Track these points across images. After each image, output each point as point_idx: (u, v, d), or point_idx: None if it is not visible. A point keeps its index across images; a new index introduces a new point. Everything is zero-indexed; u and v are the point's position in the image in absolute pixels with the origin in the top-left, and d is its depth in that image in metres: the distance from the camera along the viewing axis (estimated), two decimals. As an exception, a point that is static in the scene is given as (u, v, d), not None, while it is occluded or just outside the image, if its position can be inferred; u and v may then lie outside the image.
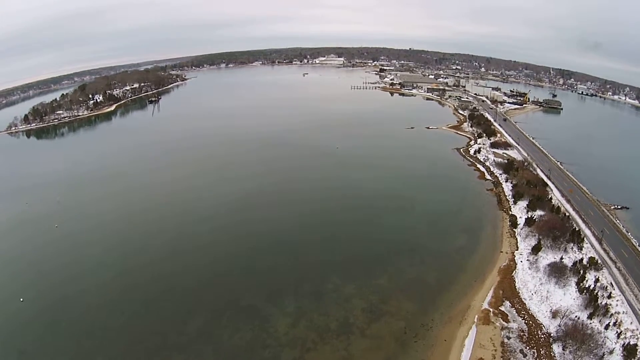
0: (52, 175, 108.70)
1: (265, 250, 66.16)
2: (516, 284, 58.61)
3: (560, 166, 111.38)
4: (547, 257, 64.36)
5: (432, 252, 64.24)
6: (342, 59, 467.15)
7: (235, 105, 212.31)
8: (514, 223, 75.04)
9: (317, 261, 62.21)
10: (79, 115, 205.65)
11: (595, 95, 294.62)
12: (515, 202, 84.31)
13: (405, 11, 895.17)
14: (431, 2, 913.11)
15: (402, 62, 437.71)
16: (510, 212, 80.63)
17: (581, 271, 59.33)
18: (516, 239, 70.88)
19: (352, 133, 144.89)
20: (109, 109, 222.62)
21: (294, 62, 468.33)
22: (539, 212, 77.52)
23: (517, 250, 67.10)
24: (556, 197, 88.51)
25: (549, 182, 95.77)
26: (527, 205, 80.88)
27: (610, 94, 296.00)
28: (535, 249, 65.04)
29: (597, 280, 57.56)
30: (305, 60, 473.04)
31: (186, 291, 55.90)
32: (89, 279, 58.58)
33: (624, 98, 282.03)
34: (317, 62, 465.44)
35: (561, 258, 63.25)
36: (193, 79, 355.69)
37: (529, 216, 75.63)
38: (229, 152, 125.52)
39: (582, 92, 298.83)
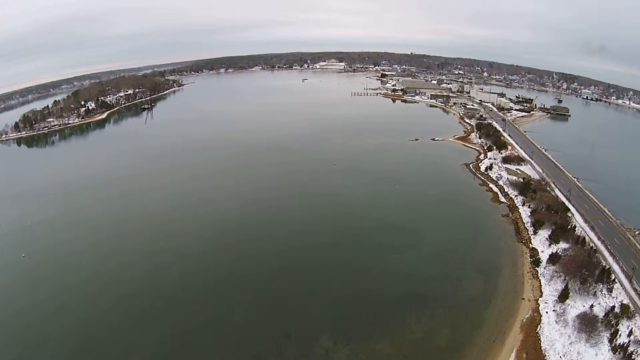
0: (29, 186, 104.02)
1: (244, 299, 55.36)
2: (542, 344, 49.03)
3: (578, 183, 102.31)
4: (576, 304, 55.11)
5: (442, 303, 54.01)
6: (342, 63, 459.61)
7: (229, 113, 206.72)
8: (535, 260, 65.23)
9: (306, 316, 51.71)
10: (69, 124, 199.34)
11: (600, 100, 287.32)
12: (535, 232, 74.57)
13: (407, 15, 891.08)
14: (432, 6, 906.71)
15: (404, 66, 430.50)
16: (530, 245, 70.96)
17: (613, 322, 50.53)
18: (539, 280, 61.01)
19: (351, 145, 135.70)
20: (100, 117, 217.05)
21: (294, 67, 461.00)
22: (562, 245, 68.15)
23: (541, 297, 57.20)
24: (579, 223, 78.85)
25: (569, 206, 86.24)
26: (549, 236, 71.23)
27: (614, 98, 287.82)
28: (563, 297, 55.52)
29: (630, 333, 48.79)
30: (306, 65, 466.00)
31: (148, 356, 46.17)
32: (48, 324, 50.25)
33: (628, 102, 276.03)
34: (318, 67, 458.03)
35: (591, 306, 54.01)
36: (190, 84, 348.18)
37: (553, 251, 66.07)
38: (214, 170, 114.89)
39: (587, 96, 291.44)
